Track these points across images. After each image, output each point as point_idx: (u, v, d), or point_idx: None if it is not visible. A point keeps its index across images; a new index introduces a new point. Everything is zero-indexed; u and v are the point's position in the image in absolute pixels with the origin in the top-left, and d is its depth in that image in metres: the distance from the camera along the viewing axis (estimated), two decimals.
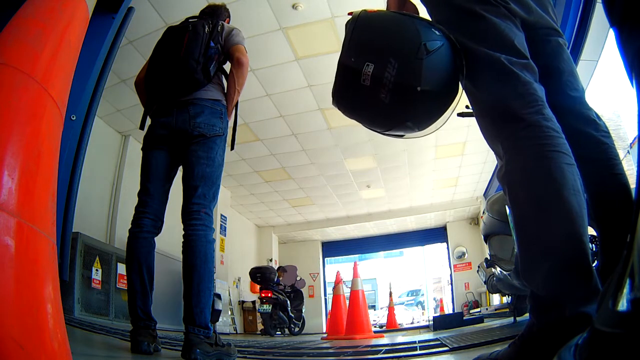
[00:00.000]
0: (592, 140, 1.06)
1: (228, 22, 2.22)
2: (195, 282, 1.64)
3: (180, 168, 1.94)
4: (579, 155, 0.93)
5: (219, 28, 1.92)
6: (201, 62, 1.81)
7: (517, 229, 0.92)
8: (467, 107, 1.78)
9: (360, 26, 1.04)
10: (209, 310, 1.66)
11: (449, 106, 1.05)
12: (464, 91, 1.07)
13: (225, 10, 2.22)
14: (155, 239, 1.87)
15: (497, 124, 0.97)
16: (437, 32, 1.00)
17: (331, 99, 1.11)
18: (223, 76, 2.02)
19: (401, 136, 1.12)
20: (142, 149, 1.92)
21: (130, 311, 1.73)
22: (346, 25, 1.07)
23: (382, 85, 0.96)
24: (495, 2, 1.00)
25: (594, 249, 1.40)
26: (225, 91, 1.96)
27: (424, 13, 1.16)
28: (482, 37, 0.99)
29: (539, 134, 0.89)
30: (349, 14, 1.08)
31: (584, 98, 1.11)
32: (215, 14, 2.12)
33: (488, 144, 1.03)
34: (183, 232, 1.73)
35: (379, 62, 0.96)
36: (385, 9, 1.24)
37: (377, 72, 0.96)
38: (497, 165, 1.00)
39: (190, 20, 1.99)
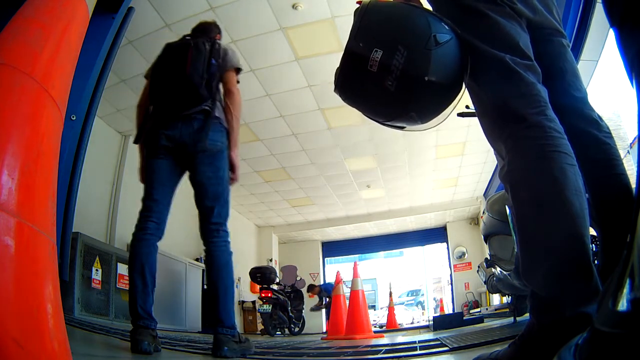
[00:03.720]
0: (594, 140, 1.06)
1: (219, 38, 2.30)
2: (222, 290, 1.83)
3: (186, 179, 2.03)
4: (581, 155, 0.93)
5: (217, 46, 2.03)
6: (205, 78, 1.90)
7: (518, 229, 0.92)
8: (467, 107, 1.78)
9: (370, 13, 1.03)
10: (233, 312, 1.87)
11: (452, 101, 1.05)
12: (466, 89, 1.07)
13: (215, 27, 2.30)
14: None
15: (499, 123, 0.97)
16: (446, 26, 1.00)
17: (334, 86, 1.09)
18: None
19: (402, 128, 1.12)
20: (146, 157, 1.99)
21: (130, 310, 1.76)
22: (355, 12, 1.06)
23: (390, 72, 0.95)
24: (500, 1, 1.00)
25: (594, 249, 1.40)
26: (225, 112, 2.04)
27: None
28: (486, 36, 0.99)
29: (541, 134, 0.89)
30: (358, 2, 1.08)
31: (587, 99, 1.11)
32: (207, 31, 2.22)
33: (490, 143, 1.03)
34: (205, 248, 1.90)
35: (387, 49, 0.96)
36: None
37: (385, 58, 0.95)
38: (497, 165, 1.00)
39: (187, 37, 2.09)
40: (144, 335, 1.69)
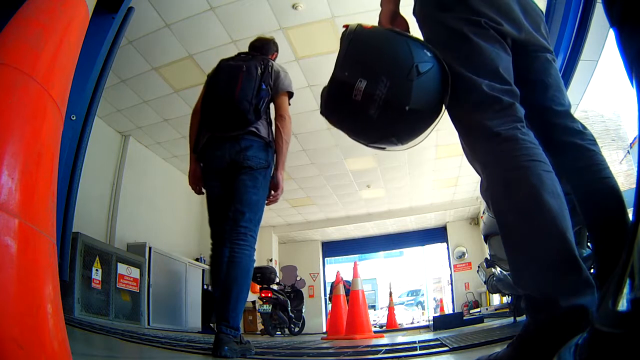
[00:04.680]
0: (579, 149, 1.09)
1: (276, 57, 2.40)
2: (235, 292, 1.85)
3: None
4: (568, 165, 0.97)
5: (269, 69, 2.11)
6: (254, 103, 2.00)
7: (504, 239, 0.95)
8: None
9: (355, 42, 1.06)
10: (241, 316, 1.88)
11: (432, 124, 1.09)
12: (446, 110, 1.10)
13: (274, 45, 2.39)
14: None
15: (476, 142, 1.01)
16: (428, 54, 1.03)
17: (320, 108, 1.13)
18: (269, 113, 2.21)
19: (383, 148, 1.16)
20: (203, 180, 2.14)
21: (216, 315, 1.92)
22: (341, 39, 1.09)
23: (373, 102, 0.99)
24: (485, 24, 1.01)
25: (591, 248, 1.41)
26: (274, 134, 2.16)
27: (414, 27, 1.18)
28: (467, 61, 1.01)
29: (515, 146, 0.93)
30: (344, 26, 1.11)
31: (569, 111, 1.15)
32: (264, 49, 2.31)
33: (469, 161, 1.07)
34: (229, 248, 1.93)
35: (371, 80, 0.99)
36: (378, 20, 1.25)
37: (369, 89, 0.99)
38: (480, 182, 1.03)
39: (242, 55, 2.21)
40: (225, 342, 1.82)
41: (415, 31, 1.16)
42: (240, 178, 2.00)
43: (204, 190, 2.17)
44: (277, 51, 2.43)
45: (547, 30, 1.19)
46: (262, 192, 2.04)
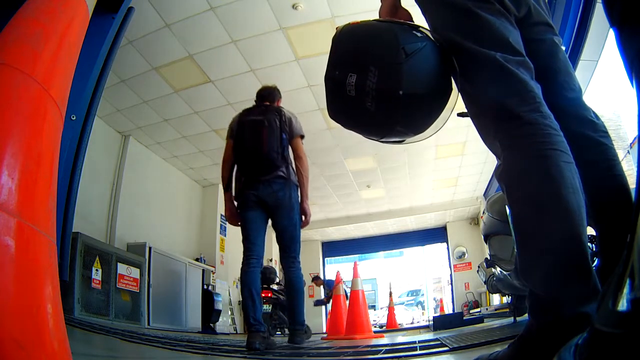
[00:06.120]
0: (590, 141, 1.05)
1: (280, 102, 2.82)
2: (296, 304, 2.68)
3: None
4: (578, 157, 0.92)
5: (284, 118, 2.56)
6: (279, 152, 2.48)
7: (515, 228, 0.91)
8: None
9: (341, 40, 1.05)
10: (303, 315, 2.66)
11: (442, 107, 1.05)
12: (459, 92, 1.06)
13: (277, 92, 2.82)
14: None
15: (494, 123, 0.95)
16: (418, 34, 1.00)
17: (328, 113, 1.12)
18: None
19: (400, 142, 1.12)
20: (239, 209, 2.62)
21: (245, 320, 2.46)
22: (332, 41, 1.08)
23: (366, 94, 0.97)
24: None
25: (594, 249, 1.40)
26: (295, 170, 2.65)
27: (418, 16, 1.16)
28: (476, 36, 0.97)
29: (536, 132, 0.88)
30: (337, 28, 1.09)
31: (581, 98, 1.10)
32: (270, 97, 2.75)
33: (485, 143, 1.02)
34: (284, 272, 2.70)
35: (360, 72, 0.97)
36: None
37: (359, 81, 0.97)
38: (497, 165, 0.99)
39: (256, 107, 2.65)
40: (255, 338, 2.23)
41: (421, 21, 1.11)
42: (278, 219, 2.56)
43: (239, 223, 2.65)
44: (280, 97, 2.82)
45: (548, 7, 1.14)
46: (297, 225, 2.62)
